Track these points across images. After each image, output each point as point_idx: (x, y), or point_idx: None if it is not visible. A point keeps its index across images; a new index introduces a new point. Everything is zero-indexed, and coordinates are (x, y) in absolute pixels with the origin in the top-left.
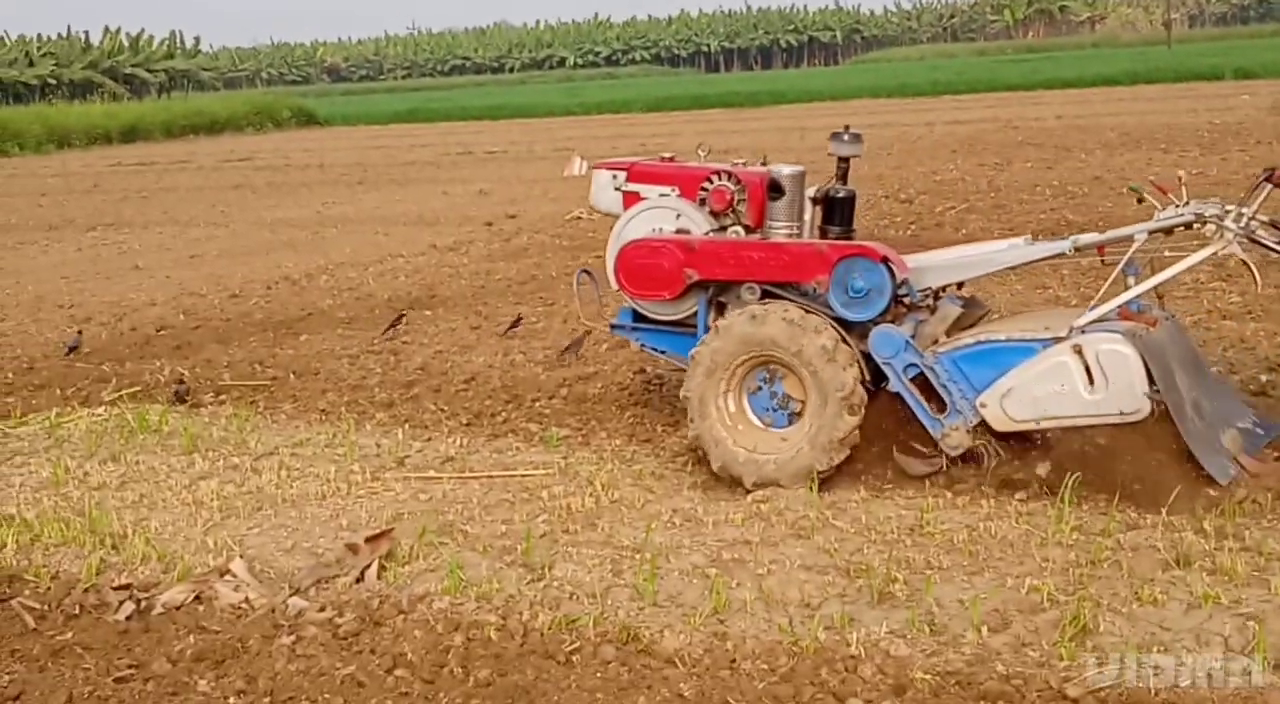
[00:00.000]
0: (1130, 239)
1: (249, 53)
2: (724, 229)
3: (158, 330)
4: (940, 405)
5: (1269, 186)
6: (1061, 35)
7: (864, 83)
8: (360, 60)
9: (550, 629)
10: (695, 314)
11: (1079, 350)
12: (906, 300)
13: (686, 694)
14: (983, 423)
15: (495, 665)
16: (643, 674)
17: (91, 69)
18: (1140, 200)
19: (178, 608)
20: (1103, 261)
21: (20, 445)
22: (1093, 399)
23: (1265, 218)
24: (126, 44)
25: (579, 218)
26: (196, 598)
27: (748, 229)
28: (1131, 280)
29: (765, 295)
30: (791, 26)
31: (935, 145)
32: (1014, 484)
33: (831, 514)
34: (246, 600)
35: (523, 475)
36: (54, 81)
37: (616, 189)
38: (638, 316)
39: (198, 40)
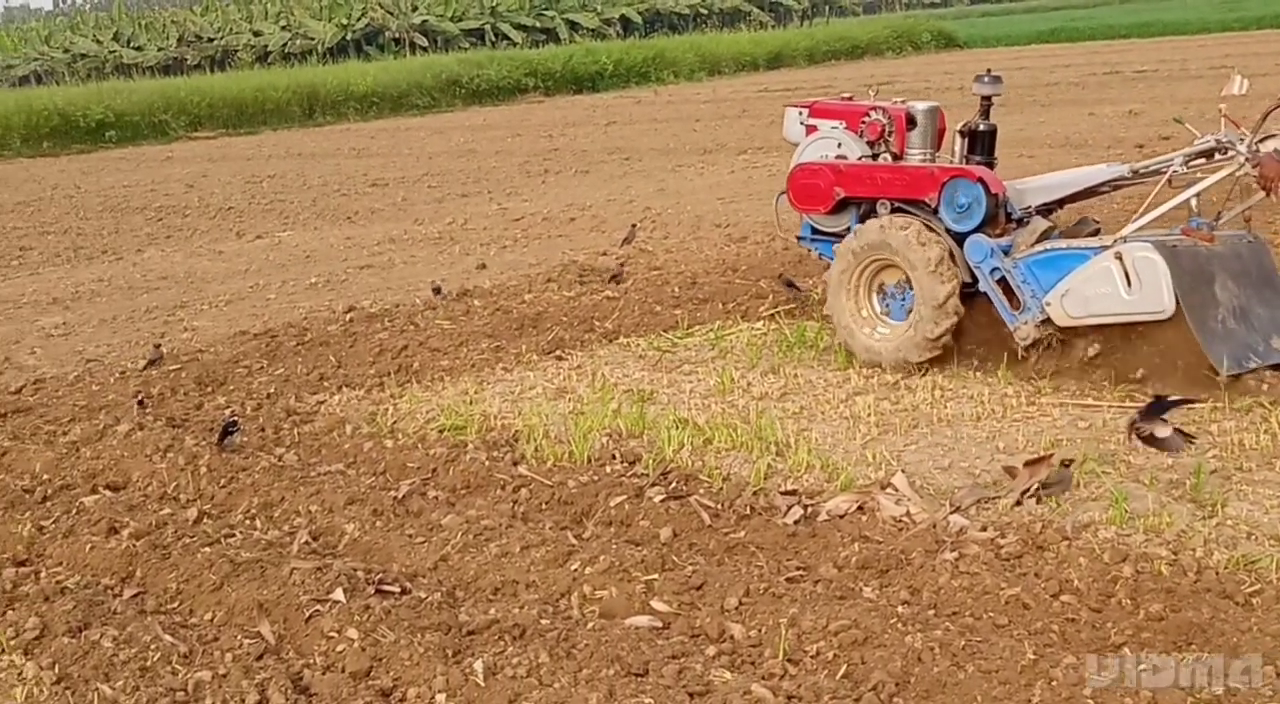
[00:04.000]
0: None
1: None
2: (876, 156)
3: (810, 251)
4: (1016, 303)
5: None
6: None
7: None
8: None
9: (1227, 568)
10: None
11: (1120, 257)
12: (1014, 216)
13: None
14: (1048, 319)
15: (1167, 601)
16: None
17: None
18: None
19: (841, 516)
20: (1169, 183)
21: (688, 355)
22: (1130, 299)
23: None
24: None
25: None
26: (859, 508)
27: (895, 156)
28: (1193, 201)
29: (895, 211)
30: None
31: None
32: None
33: None
34: (908, 514)
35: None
36: (705, 11)
37: (801, 123)
38: (814, 230)
39: None
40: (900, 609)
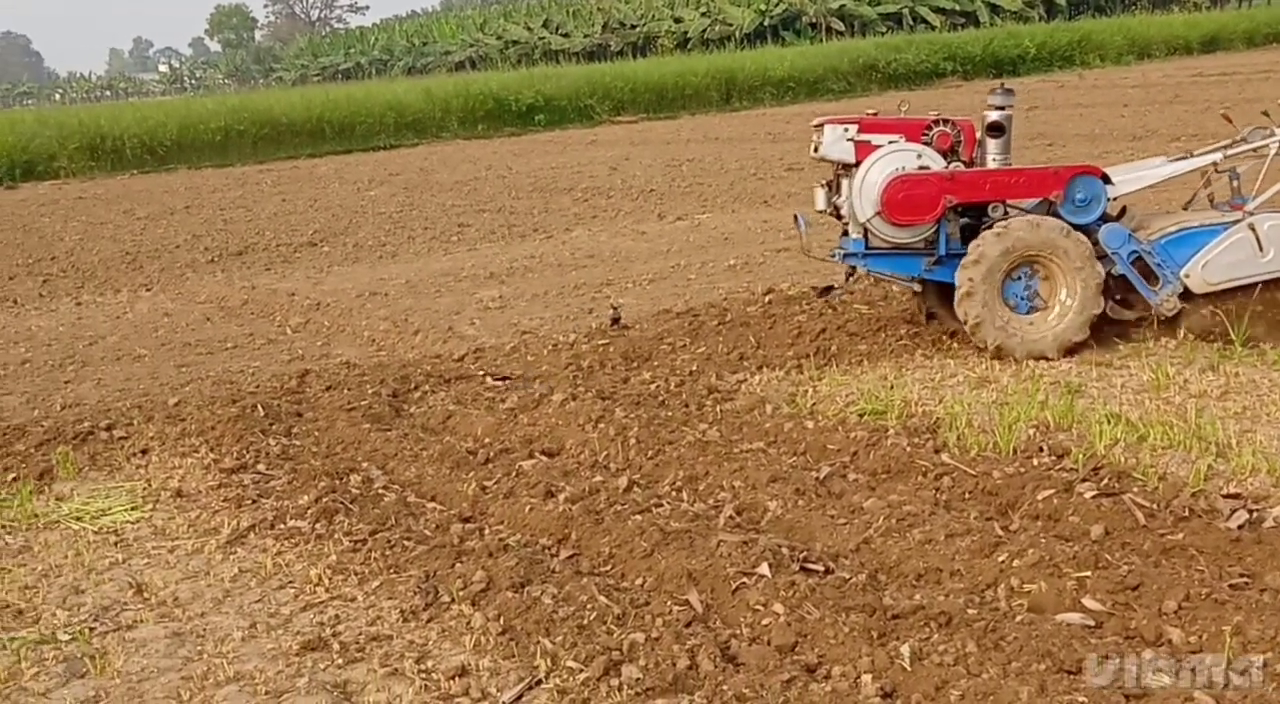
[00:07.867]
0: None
1: None
2: (948, 165)
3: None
4: (1153, 279)
5: None
6: None
7: None
8: None
9: None
10: (925, 239)
11: (1252, 228)
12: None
13: None
14: (1185, 290)
15: None
16: None
17: None
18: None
19: None
20: (1228, 167)
21: (1119, 348)
22: (1264, 260)
23: None
24: None
25: None
26: None
27: (966, 164)
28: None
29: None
30: None
31: None
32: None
33: None
34: None
35: None
36: None
37: (848, 140)
38: (869, 246)
39: None
40: None
